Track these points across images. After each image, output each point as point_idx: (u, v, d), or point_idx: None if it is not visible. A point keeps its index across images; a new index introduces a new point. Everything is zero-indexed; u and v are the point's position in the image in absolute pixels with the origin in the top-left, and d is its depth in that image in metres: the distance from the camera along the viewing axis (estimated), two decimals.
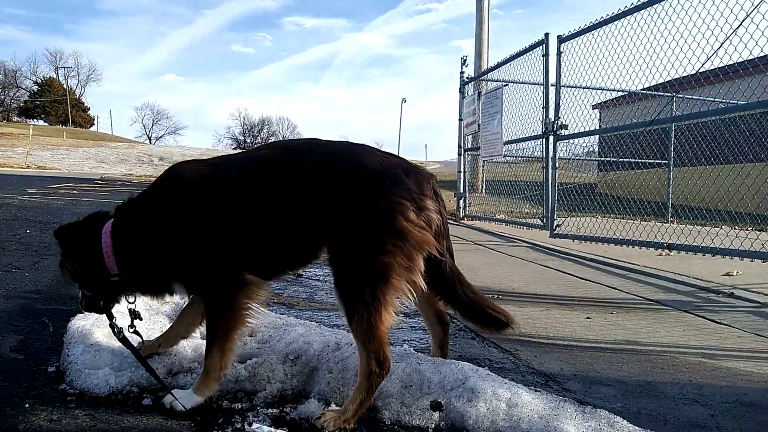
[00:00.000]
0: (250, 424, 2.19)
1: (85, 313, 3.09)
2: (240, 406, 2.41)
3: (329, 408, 2.33)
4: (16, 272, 4.82)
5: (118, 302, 2.71)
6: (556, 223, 8.75)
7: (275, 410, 2.35)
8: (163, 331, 2.84)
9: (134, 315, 2.69)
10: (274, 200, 2.38)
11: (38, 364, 2.74)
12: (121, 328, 2.60)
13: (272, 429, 2.16)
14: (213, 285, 2.44)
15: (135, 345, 2.60)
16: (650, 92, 9.43)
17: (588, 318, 4.22)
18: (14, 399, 2.35)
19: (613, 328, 3.97)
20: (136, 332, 2.68)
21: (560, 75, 8.75)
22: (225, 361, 2.42)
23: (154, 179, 2.68)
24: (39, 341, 3.08)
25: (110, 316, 2.63)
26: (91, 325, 2.87)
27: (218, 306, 2.43)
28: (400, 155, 2.67)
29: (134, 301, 2.69)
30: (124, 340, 2.56)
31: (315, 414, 2.28)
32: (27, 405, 2.30)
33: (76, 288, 2.69)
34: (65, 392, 2.44)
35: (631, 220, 8.16)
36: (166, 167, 2.75)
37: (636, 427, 2.20)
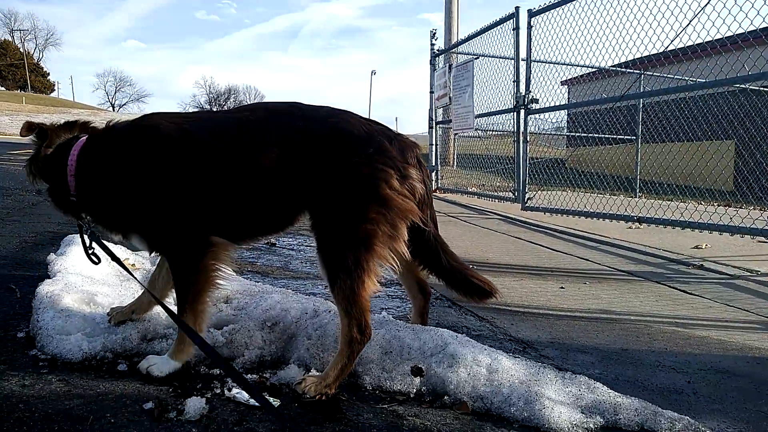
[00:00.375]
0: (230, 389, 2.15)
1: (55, 278, 3.00)
2: (218, 372, 2.35)
3: (310, 374, 2.30)
4: None
5: (81, 219, 2.54)
6: (527, 196, 8.81)
7: (254, 376, 2.31)
8: (135, 297, 2.76)
9: (92, 238, 2.55)
10: (254, 162, 2.29)
11: (6, 329, 2.64)
12: (92, 244, 2.52)
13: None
14: (178, 246, 2.35)
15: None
16: (619, 69, 9.49)
17: (562, 288, 4.26)
18: None
19: (587, 297, 4.01)
20: (94, 254, 2.57)
21: (531, 49, 8.73)
22: (198, 324, 2.35)
23: (128, 122, 2.52)
24: (6, 307, 2.96)
25: (85, 248, 2.55)
26: (60, 290, 2.77)
27: (185, 268, 2.34)
28: None
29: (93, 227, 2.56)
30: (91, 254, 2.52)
31: (295, 379, 2.25)
32: None
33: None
34: (36, 358, 2.35)
35: (601, 194, 8.25)
36: None
37: (616, 393, 2.23)
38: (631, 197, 10.15)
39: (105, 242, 2.57)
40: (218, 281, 2.42)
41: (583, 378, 2.31)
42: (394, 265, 2.35)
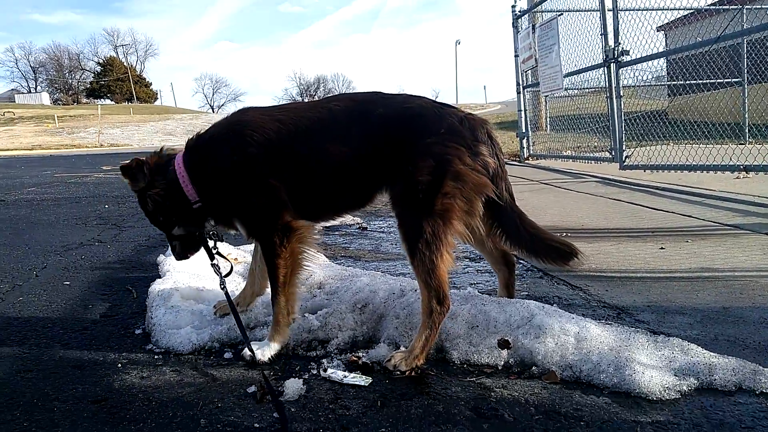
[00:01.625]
0: (325, 370, 2.29)
1: (165, 277, 3.27)
2: (315, 354, 2.51)
3: (397, 351, 2.40)
4: (99, 245, 5.11)
5: (206, 231, 2.78)
6: (625, 154, 8.43)
7: (348, 355, 2.43)
8: (237, 291, 2.97)
9: (217, 238, 2.82)
10: (343, 148, 2.46)
11: (126, 327, 2.93)
12: (221, 271, 2.73)
13: (346, 373, 2.25)
14: (269, 231, 2.52)
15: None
16: (717, 7, 8.80)
17: (662, 248, 4.10)
18: (108, 360, 2.53)
19: (688, 256, 3.85)
20: (219, 254, 2.81)
21: None
22: (291, 306, 2.55)
23: (223, 118, 2.74)
24: (125, 307, 3.28)
25: (210, 255, 2.77)
26: (170, 288, 3.03)
27: (275, 252, 2.52)
28: (460, 100, 2.67)
29: (216, 239, 2.82)
30: (223, 285, 2.70)
31: (385, 357, 2.35)
32: (119, 365, 2.47)
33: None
34: (152, 351, 2.61)
35: (706, 144, 7.74)
36: None
37: (711, 353, 2.16)
38: (741, 144, 9.44)
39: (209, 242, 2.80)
40: (305, 263, 2.61)
41: (676, 340, 2.26)
42: (470, 238, 2.44)
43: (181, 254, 2.82)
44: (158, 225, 2.76)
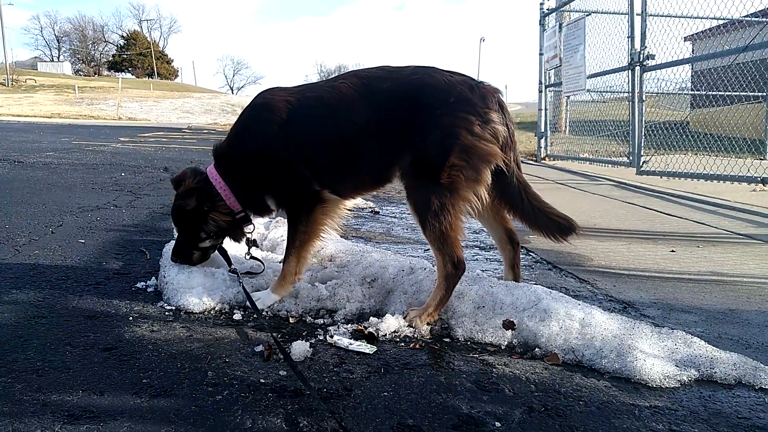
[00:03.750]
0: (331, 336, 2.33)
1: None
2: (322, 322, 2.56)
3: (411, 308, 2.50)
4: (115, 209, 5.17)
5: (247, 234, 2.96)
6: (642, 159, 8.40)
7: (354, 325, 2.47)
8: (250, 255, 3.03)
9: (252, 244, 2.98)
10: (352, 123, 2.51)
11: (138, 285, 2.98)
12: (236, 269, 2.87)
13: (352, 341, 2.29)
14: (294, 200, 2.65)
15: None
16: (746, 18, 8.70)
17: (672, 251, 4.11)
18: (120, 313, 2.58)
19: (698, 260, 3.85)
20: (253, 257, 2.98)
21: (646, 2, 8.23)
22: (300, 267, 2.67)
23: (240, 116, 2.83)
24: (138, 267, 3.34)
25: (228, 262, 2.94)
26: None
27: (298, 219, 2.64)
28: None
29: (252, 230, 2.96)
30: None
31: (390, 329, 2.39)
32: (131, 318, 2.52)
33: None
34: (163, 308, 2.66)
35: (725, 157, 7.70)
36: None
37: (714, 348, 2.18)
38: (761, 158, 9.37)
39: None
40: (323, 234, 2.72)
41: (680, 333, 2.28)
42: (479, 207, 2.48)
43: (196, 262, 2.93)
44: (194, 239, 2.87)
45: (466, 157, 2.35)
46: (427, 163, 2.37)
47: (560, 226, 2.63)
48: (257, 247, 3.09)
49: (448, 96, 2.41)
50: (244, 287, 2.66)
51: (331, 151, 2.58)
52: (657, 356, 2.12)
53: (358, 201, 5.91)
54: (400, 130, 2.44)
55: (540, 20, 12.10)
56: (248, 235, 2.95)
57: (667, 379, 2.01)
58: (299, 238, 2.64)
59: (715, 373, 2.04)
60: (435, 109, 2.39)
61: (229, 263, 2.90)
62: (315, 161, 2.60)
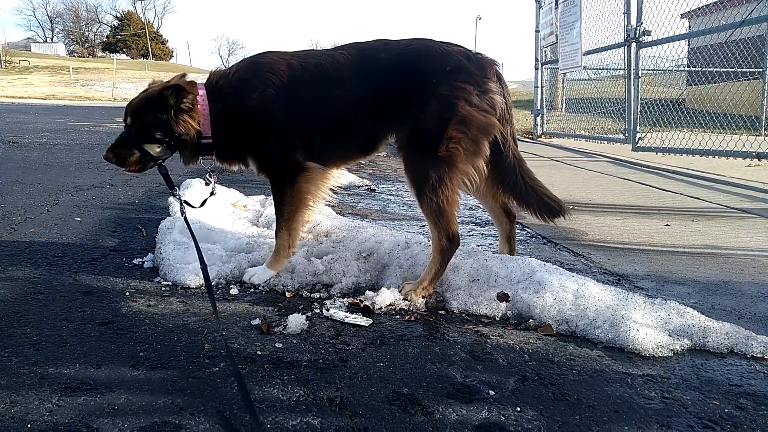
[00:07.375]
0: (327, 310, 2.34)
1: (175, 216, 3.32)
2: (318, 296, 2.57)
3: (406, 281, 2.52)
4: (111, 188, 5.16)
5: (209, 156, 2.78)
6: (638, 136, 8.40)
7: (350, 299, 2.48)
8: (244, 231, 3.03)
9: (210, 182, 2.87)
10: (348, 93, 2.49)
11: (134, 261, 2.98)
12: (182, 197, 2.79)
13: (348, 314, 2.30)
14: (278, 167, 2.60)
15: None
16: None
17: (667, 225, 4.12)
18: (116, 288, 2.59)
19: (692, 234, 3.87)
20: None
21: None
22: (292, 240, 2.66)
23: (243, 60, 2.76)
24: (134, 243, 3.34)
25: (170, 185, 2.80)
26: (179, 227, 3.07)
27: (282, 189, 2.61)
28: None
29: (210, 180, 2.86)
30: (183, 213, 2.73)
31: (385, 302, 2.40)
32: (127, 293, 2.53)
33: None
34: (160, 284, 2.67)
35: (720, 133, 7.69)
36: None
37: (707, 318, 2.20)
38: (756, 135, 9.34)
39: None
40: (310, 203, 2.69)
41: (673, 303, 2.29)
42: (476, 180, 2.47)
43: (127, 166, 2.85)
44: (146, 136, 2.73)
45: (464, 129, 2.33)
46: (425, 135, 2.35)
47: (550, 208, 2.63)
48: (214, 194, 2.91)
49: (445, 64, 2.38)
50: (182, 202, 2.67)
51: (325, 120, 2.56)
52: (650, 326, 2.14)
53: (354, 179, 5.91)
54: (396, 101, 2.42)
55: None
56: (208, 176, 2.83)
57: (660, 349, 2.03)
58: (287, 210, 2.62)
59: (708, 342, 2.06)
60: (431, 78, 2.37)
61: (171, 187, 2.78)
62: (307, 129, 2.57)
